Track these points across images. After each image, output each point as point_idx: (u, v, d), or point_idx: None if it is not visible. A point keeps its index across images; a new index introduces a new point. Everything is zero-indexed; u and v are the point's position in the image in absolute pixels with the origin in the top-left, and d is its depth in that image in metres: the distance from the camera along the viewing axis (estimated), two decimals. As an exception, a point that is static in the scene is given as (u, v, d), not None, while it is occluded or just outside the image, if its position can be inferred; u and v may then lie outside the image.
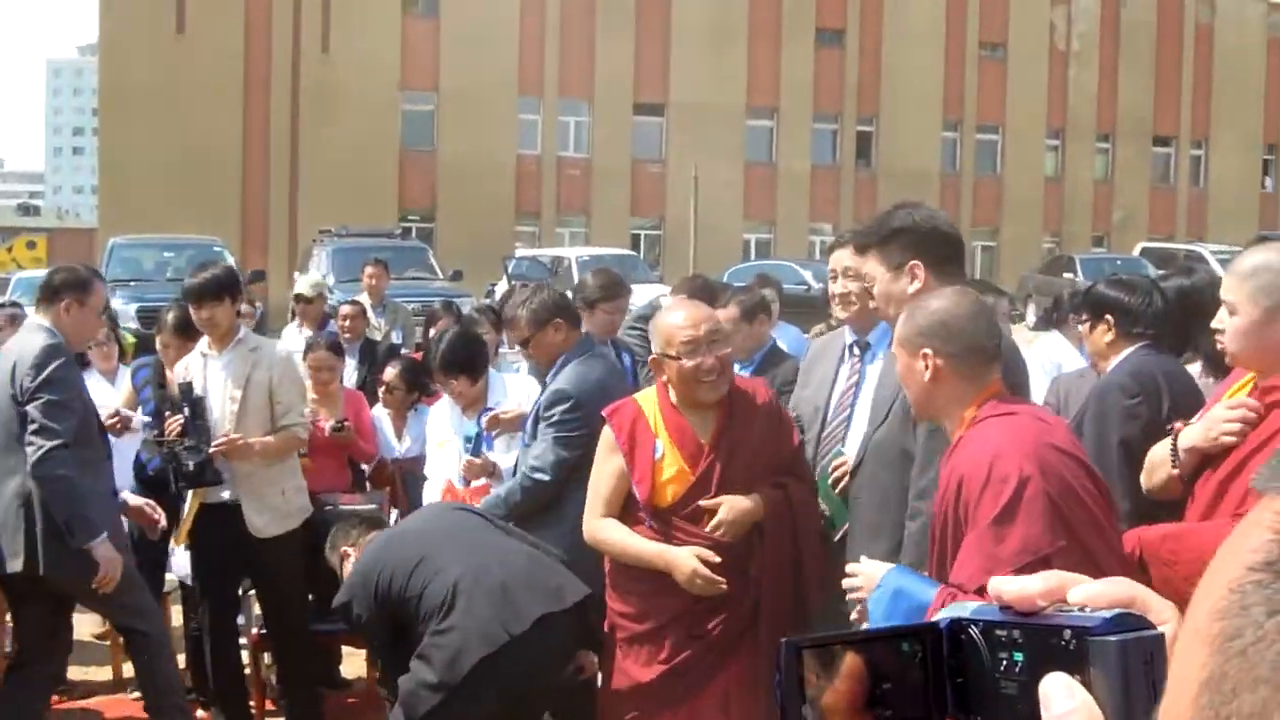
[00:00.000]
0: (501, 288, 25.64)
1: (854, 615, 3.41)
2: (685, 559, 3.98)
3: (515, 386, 6.26)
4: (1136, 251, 32.28)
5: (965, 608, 0.97)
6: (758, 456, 4.10)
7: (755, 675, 3.98)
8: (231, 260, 23.28)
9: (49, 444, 5.08)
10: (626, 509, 4.16)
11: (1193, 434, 3.41)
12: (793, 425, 4.22)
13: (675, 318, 4.16)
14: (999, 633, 0.93)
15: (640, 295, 19.96)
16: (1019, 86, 43.13)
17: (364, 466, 7.24)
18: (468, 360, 6.01)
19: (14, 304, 9.54)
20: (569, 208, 39.94)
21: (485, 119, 37.52)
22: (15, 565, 5.20)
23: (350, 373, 8.23)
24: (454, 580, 4.24)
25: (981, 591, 3.01)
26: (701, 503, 4.03)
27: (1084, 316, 4.75)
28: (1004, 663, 0.92)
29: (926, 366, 3.18)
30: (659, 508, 4.08)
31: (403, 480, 7.15)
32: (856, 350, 4.29)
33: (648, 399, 4.23)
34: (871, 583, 3.27)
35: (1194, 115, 45.56)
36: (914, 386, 3.26)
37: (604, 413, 4.26)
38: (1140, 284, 4.72)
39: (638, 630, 4.13)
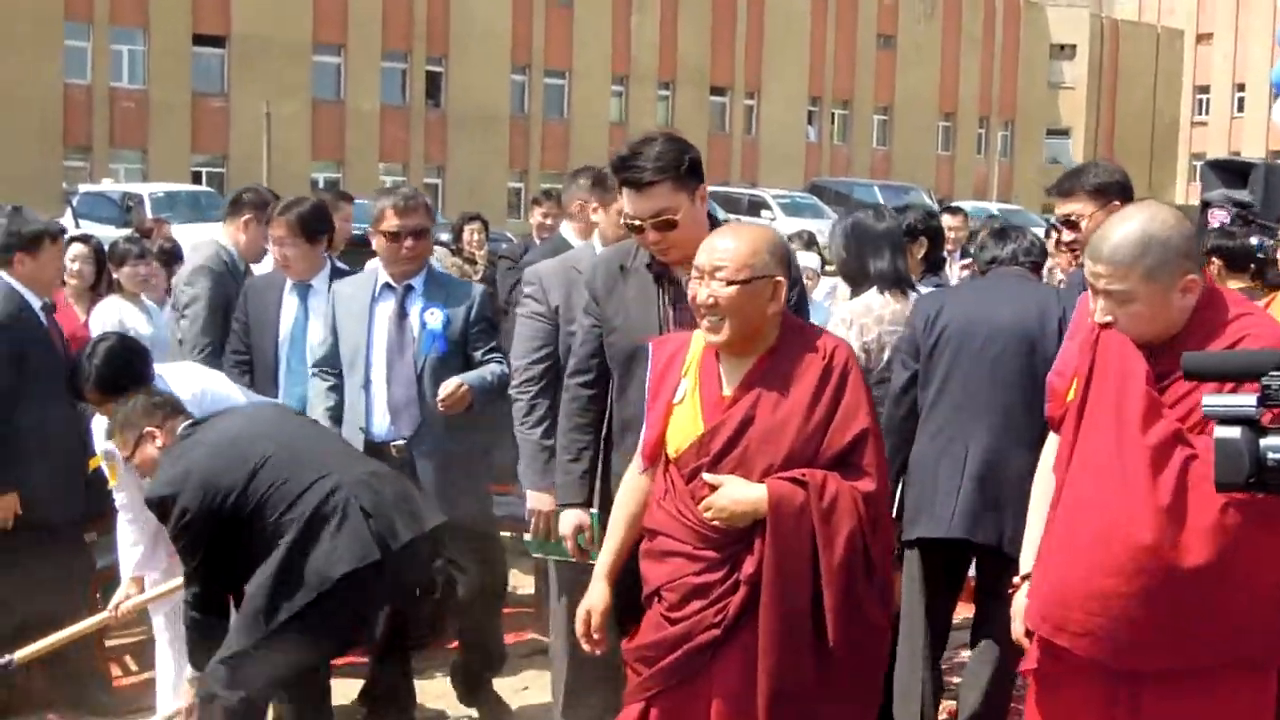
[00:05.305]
0: (68, 225, 23.93)
1: None
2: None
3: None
4: (702, 195, 33.75)
5: None
6: (780, 431, 3.26)
7: (745, 687, 3.22)
8: None
9: None
10: None
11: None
12: (861, 406, 3.31)
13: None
14: None
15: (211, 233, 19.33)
16: (585, 32, 44.08)
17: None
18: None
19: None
20: (124, 141, 37.65)
21: (27, 45, 34.86)
22: None
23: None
24: (330, 488, 3.95)
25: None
26: (705, 475, 3.28)
27: None
28: None
29: (1188, 290, 2.96)
30: (669, 457, 3.38)
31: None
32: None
33: (699, 336, 3.42)
34: None
35: (747, 67, 48.01)
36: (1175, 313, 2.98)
37: (650, 342, 3.57)
38: None
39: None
